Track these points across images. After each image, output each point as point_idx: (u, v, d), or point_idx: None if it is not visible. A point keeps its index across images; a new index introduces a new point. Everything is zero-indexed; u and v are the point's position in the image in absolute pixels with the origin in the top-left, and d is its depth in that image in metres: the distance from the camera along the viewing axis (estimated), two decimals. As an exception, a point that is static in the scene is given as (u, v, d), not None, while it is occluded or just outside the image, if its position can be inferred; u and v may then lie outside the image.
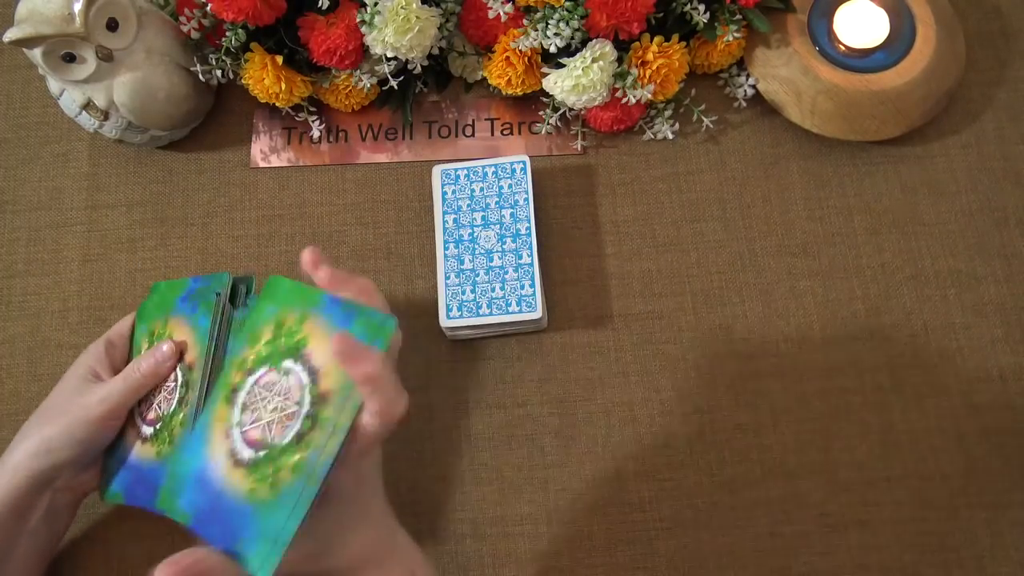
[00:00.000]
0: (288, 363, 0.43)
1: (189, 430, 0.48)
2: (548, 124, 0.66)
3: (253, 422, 0.42)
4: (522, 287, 0.58)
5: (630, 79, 0.61)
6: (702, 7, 0.61)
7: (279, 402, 0.42)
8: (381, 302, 0.46)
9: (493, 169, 0.62)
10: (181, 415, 0.50)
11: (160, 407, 0.51)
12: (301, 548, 0.41)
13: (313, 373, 0.42)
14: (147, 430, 0.51)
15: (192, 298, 0.54)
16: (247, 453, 0.42)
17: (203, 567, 0.39)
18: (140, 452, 0.50)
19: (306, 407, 0.41)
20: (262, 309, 0.46)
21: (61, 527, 0.53)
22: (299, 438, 0.41)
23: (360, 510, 0.44)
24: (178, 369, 0.51)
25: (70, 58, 0.58)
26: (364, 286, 0.46)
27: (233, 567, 0.40)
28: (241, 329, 0.49)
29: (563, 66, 0.61)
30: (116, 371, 0.52)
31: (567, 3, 0.60)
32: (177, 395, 0.51)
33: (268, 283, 0.47)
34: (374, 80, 0.64)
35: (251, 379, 0.44)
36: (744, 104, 0.67)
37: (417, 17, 0.59)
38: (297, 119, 0.67)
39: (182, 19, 0.62)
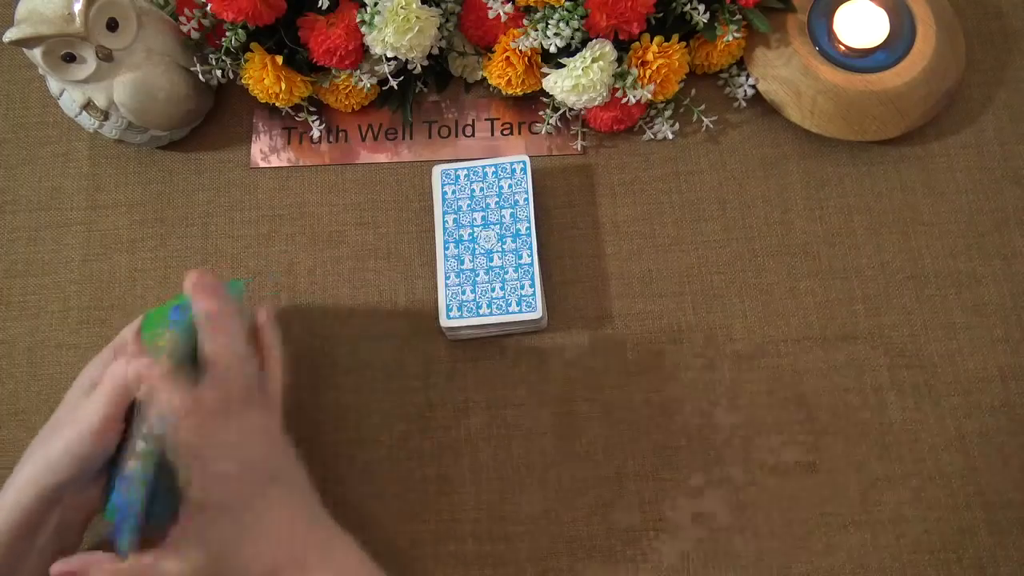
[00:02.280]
0: None
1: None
2: (548, 124, 0.66)
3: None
4: (522, 287, 0.58)
5: (630, 79, 0.61)
6: (702, 7, 0.61)
7: None
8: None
9: (493, 169, 0.62)
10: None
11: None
12: (194, 559, 0.44)
13: None
14: (140, 444, 0.48)
15: (183, 308, 0.52)
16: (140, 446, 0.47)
17: (88, 561, 0.44)
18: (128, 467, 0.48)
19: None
20: (150, 331, 0.52)
21: (71, 544, 0.52)
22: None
23: (256, 519, 0.46)
24: None
25: (70, 58, 0.58)
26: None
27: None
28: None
29: (563, 66, 0.61)
30: None
31: (567, 3, 0.60)
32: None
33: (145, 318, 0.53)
34: (374, 80, 0.64)
35: None
36: (744, 104, 0.67)
37: (417, 17, 0.59)
38: (297, 119, 0.67)
39: (182, 19, 0.62)
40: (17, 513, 0.46)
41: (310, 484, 0.52)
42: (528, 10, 0.62)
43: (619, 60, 0.62)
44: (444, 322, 0.58)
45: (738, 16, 0.63)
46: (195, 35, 0.62)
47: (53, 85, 0.62)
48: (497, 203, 0.61)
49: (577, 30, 0.60)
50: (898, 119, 0.63)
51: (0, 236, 0.67)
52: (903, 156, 0.66)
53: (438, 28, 0.62)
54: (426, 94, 0.69)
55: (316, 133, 0.67)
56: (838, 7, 0.64)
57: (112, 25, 0.59)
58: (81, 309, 0.64)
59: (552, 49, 0.61)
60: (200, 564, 0.45)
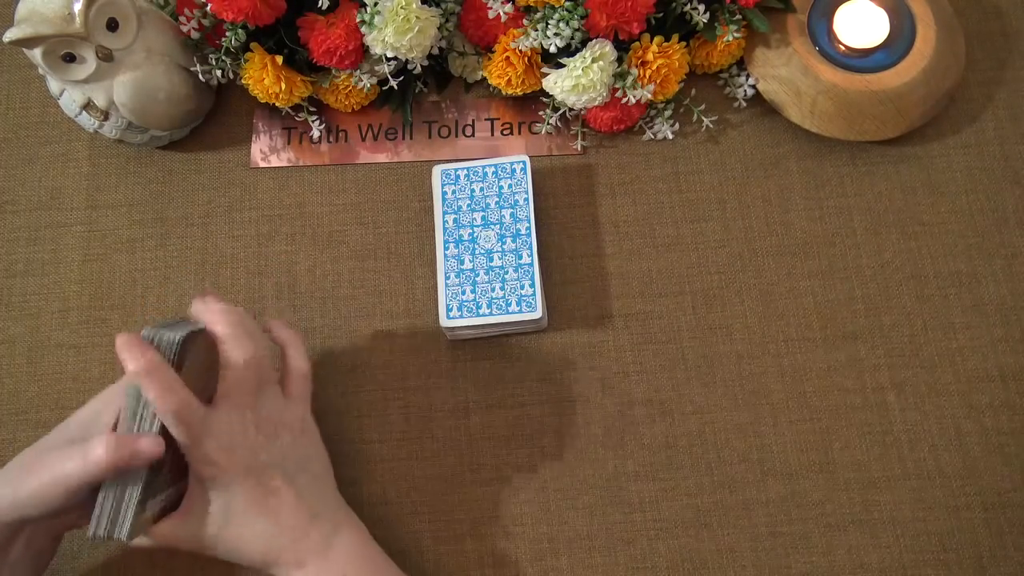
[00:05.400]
0: None
1: None
2: (548, 124, 0.66)
3: None
4: (522, 287, 0.58)
5: (630, 79, 0.61)
6: (702, 7, 0.61)
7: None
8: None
9: (493, 169, 0.62)
10: None
11: None
12: (197, 527, 0.47)
13: None
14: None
15: None
16: None
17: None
18: None
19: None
20: None
21: (46, 555, 0.52)
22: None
23: (251, 506, 0.47)
24: None
25: (70, 58, 0.58)
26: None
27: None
28: None
29: (563, 66, 0.61)
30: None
31: (567, 3, 0.60)
32: None
33: None
34: (374, 80, 0.64)
35: None
36: (744, 104, 0.67)
37: (417, 17, 0.59)
38: (297, 119, 0.67)
39: (182, 19, 0.62)
40: None
41: (330, 474, 0.54)
42: (528, 10, 0.62)
43: (619, 60, 0.62)
44: (444, 322, 0.58)
45: (738, 16, 0.63)
46: (195, 35, 0.62)
47: (53, 85, 0.62)
48: (497, 203, 0.61)
49: (577, 30, 0.60)
50: (898, 119, 0.63)
51: (0, 236, 0.67)
52: (903, 156, 0.66)
53: (438, 28, 0.62)
54: (426, 94, 0.69)
55: (316, 133, 0.67)
56: (838, 7, 0.64)
57: (112, 25, 0.59)
58: (81, 309, 0.64)
59: (552, 49, 0.61)
60: (203, 533, 0.47)
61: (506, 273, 0.59)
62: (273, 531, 0.48)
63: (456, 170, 0.62)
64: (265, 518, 0.48)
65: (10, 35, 0.56)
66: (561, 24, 0.60)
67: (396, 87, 0.64)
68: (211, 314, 0.49)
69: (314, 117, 0.67)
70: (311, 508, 0.50)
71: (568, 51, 0.62)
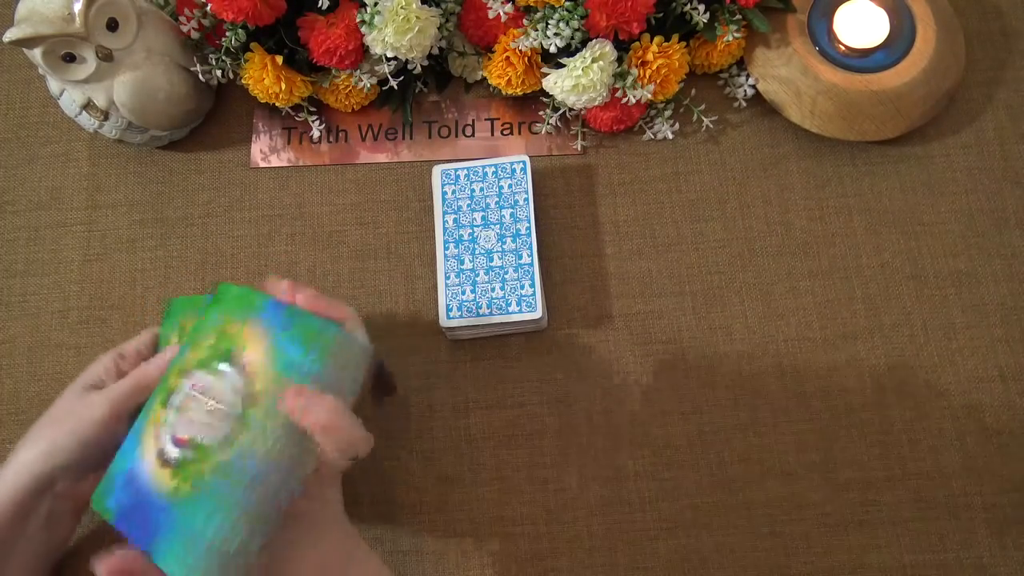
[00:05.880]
0: (222, 366, 0.43)
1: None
2: (548, 124, 0.66)
3: (184, 423, 0.42)
4: (522, 287, 0.58)
5: (630, 79, 0.61)
6: (702, 7, 0.61)
7: (211, 404, 0.42)
8: (358, 328, 0.47)
9: (493, 169, 0.62)
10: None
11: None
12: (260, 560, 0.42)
13: (245, 375, 0.42)
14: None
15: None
16: (175, 453, 0.42)
17: (136, 566, 0.40)
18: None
19: (236, 408, 0.41)
20: (209, 316, 0.46)
21: (62, 535, 0.52)
22: (226, 439, 0.41)
23: (317, 531, 0.45)
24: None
25: (70, 58, 0.58)
26: (347, 312, 0.47)
27: (158, 571, 0.40)
28: (187, 335, 0.48)
29: (563, 66, 0.61)
30: None
31: (567, 3, 0.60)
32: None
33: (219, 290, 0.47)
34: (374, 80, 0.64)
35: (187, 382, 0.44)
36: (744, 104, 0.67)
37: (417, 17, 0.59)
38: (297, 119, 0.67)
39: (182, 19, 0.62)
40: (10, 498, 0.46)
41: None
42: (528, 10, 0.62)
43: (619, 60, 0.62)
44: (444, 322, 0.58)
45: (738, 16, 0.63)
46: (195, 35, 0.62)
47: (53, 85, 0.62)
48: (497, 203, 0.61)
49: (577, 30, 0.60)
50: (898, 119, 0.63)
51: (0, 236, 0.67)
52: (903, 156, 0.66)
53: (438, 28, 0.62)
54: (426, 94, 0.69)
55: (316, 133, 0.67)
56: (838, 7, 0.64)
57: (112, 25, 0.59)
58: (81, 309, 0.64)
59: (552, 49, 0.61)
60: (262, 563, 0.44)
61: (506, 273, 0.59)
62: (323, 554, 0.45)
63: (456, 170, 0.62)
64: (321, 542, 0.45)
65: (10, 35, 0.56)
66: (561, 24, 0.60)
67: (396, 87, 0.64)
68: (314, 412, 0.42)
69: (314, 117, 0.67)
70: (342, 523, 0.48)
71: (568, 51, 0.62)
